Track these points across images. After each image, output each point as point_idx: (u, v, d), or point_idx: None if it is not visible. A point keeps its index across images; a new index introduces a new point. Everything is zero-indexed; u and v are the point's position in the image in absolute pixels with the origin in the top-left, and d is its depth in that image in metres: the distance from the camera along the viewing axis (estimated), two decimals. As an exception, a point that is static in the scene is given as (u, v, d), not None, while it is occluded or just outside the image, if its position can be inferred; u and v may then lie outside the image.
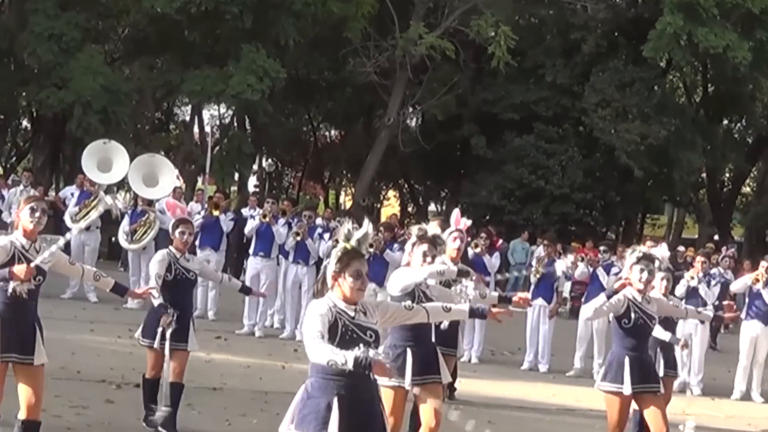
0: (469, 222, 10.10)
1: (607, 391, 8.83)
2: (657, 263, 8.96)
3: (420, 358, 7.99)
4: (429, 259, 7.96)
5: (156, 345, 9.38)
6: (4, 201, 19.73)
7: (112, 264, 22.98)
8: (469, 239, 15.21)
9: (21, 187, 19.95)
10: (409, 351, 7.95)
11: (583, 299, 17.18)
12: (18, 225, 7.60)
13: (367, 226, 6.09)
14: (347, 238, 6.01)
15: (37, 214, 7.53)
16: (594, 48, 33.28)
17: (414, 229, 8.31)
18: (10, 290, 7.33)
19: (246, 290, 11.53)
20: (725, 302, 15.21)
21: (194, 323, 9.73)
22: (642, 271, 8.72)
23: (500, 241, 26.90)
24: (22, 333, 7.47)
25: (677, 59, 32.44)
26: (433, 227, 8.61)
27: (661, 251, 9.32)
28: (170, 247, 9.64)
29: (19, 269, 7.29)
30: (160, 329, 9.32)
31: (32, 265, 7.34)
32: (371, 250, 15.76)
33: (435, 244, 8.08)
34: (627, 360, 8.71)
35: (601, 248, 17.09)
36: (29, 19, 28.67)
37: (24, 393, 7.46)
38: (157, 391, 9.44)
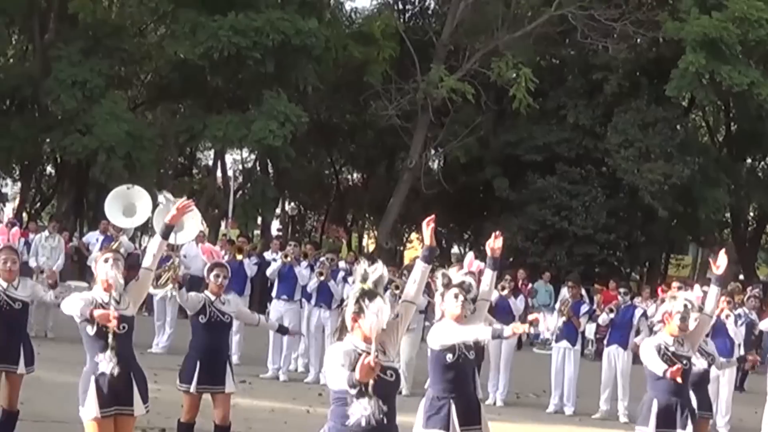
0: (482, 264, 10.02)
1: None
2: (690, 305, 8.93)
3: (462, 408, 7.91)
4: (462, 298, 7.92)
5: (192, 389, 9.37)
6: (29, 248, 19.75)
7: (137, 309, 22.85)
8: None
9: (46, 233, 19.99)
10: (452, 402, 7.86)
11: (605, 341, 17.13)
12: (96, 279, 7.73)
13: (381, 266, 6.10)
14: (364, 279, 6.02)
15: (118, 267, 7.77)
16: (616, 88, 33.23)
17: (439, 277, 8.24)
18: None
19: (283, 330, 11.94)
20: (748, 355, 15.11)
21: (231, 365, 9.72)
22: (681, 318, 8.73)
23: (529, 285, 26.85)
24: (118, 385, 7.58)
25: (700, 98, 32.34)
26: (454, 272, 8.53)
27: (694, 294, 9.31)
28: (206, 291, 9.68)
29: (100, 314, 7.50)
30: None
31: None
32: (396, 292, 15.73)
33: (462, 287, 8.03)
34: (655, 403, 8.68)
35: (621, 290, 17.01)
36: (53, 66, 28.98)
37: None
38: None
